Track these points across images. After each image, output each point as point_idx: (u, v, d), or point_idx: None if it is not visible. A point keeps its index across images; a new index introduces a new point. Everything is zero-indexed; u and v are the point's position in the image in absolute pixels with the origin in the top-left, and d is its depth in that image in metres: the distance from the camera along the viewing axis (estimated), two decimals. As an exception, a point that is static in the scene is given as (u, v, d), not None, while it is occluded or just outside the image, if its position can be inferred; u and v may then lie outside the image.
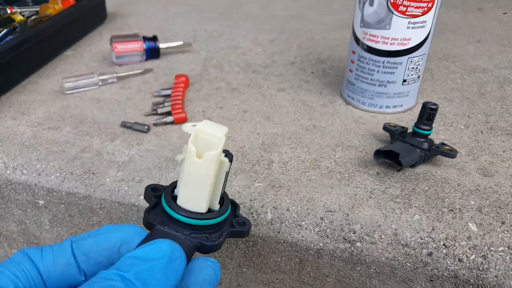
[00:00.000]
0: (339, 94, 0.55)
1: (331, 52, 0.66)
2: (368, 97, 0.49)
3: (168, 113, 0.49)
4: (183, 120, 0.48)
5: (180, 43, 0.66)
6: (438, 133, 0.46)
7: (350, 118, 0.49)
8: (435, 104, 0.39)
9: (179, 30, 0.76)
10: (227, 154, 0.27)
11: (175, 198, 0.27)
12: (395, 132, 0.42)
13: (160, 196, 0.28)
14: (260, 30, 0.76)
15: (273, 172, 0.40)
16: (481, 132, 0.46)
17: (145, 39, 0.63)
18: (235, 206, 0.31)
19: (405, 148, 0.40)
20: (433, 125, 0.47)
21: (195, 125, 0.25)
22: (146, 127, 0.47)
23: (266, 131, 0.47)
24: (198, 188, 0.26)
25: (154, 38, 0.64)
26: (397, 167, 0.39)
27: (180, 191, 0.26)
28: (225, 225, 0.28)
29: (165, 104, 0.51)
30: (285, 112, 0.51)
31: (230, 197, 0.30)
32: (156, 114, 0.50)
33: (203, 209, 0.26)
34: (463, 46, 0.68)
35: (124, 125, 0.47)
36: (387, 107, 0.49)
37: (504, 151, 0.43)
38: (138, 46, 0.62)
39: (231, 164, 0.27)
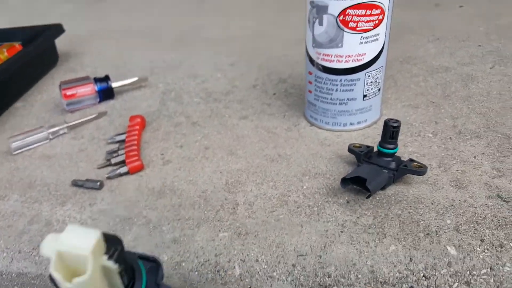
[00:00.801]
0: (302, 114, 0.53)
1: (292, 70, 0.65)
2: (330, 117, 0.48)
3: (123, 162, 0.46)
4: (139, 169, 0.45)
5: (135, 79, 0.63)
6: (406, 146, 0.44)
7: (316, 141, 0.47)
8: (396, 121, 0.38)
9: (136, 64, 0.74)
10: (112, 252, 0.21)
11: None
12: (360, 154, 0.40)
13: None
14: (220, 54, 0.74)
15: (239, 217, 0.37)
16: (450, 138, 0.45)
17: (97, 80, 0.61)
18: (157, 266, 0.25)
19: (372, 171, 0.38)
20: (401, 137, 0.46)
21: (57, 239, 0.20)
22: (98, 183, 0.43)
23: (230, 168, 0.44)
24: None
25: (106, 78, 0.61)
26: (366, 192, 0.37)
27: None
28: None
29: (119, 152, 0.48)
30: (249, 142, 0.48)
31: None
32: (110, 165, 0.47)
33: None
34: (423, 45, 0.67)
35: (75, 184, 0.44)
36: (351, 124, 0.48)
37: (475, 157, 0.42)
38: (89, 89, 0.60)
39: (121, 265, 0.21)
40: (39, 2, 1.25)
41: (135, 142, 0.49)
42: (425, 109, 0.50)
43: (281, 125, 0.51)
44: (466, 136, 0.45)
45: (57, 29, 0.74)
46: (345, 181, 0.38)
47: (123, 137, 0.51)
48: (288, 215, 0.37)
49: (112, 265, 0.21)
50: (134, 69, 0.72)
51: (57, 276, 0.20)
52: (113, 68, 0.73)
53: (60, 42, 0.79)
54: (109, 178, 0.45)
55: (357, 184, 0.38)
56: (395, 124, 0.38)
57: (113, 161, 0.47)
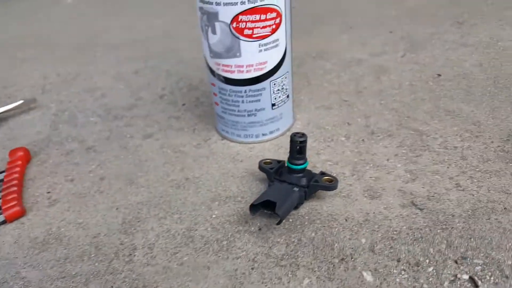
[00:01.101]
0: (214, 127, 0.48)
1: (203, 74, 0.60)
2: (241, 129, 0.44)
3: None
4: (19, 215, 0.38)
5: (20, 102, 0.55)
6: (319, 154, 0.41)
7: (227, 157, 0.43)
8: (302, 135, 0.35)
9: (25, 81, 0.65)
10: None
11: None
12: (270, 172, 0.37)
13: None
14: (123, 61, 0.67)
15: (136, 266, 0.32)
16: (363, 140, 0.43)
17: (-26, 108, 0.52)
18: None
19: (282, 193, 0.34)
20: (313, 144, 0.43)
21: None
22: (-25, 236, 0.36)
23: (128, 202, 0.39)
24: None
25: (-15, 105, 0.53)
26: (278, 216, 0.34)
27: None
28: None
29: (-1, 194, 0.41)
30: (153, 167, 0.43)
31: None
32: (-12, 212, 0.40)
33: None
34: (337, 36, 0.65)
35: None
36: (263, 135, 0.44)
37: (388, 159, 0.40)
38: (-35, 119, 0.51)
39: None
40: None
41: (16, 182, 0.42)
42: (338, 109, 0.48)
43: (191, 141, 0.47)
44: (378, 136, 0.43)
45: None
46: (254, 207, 0.34)
47: (1, 176, 0.43)
48: (193, 256, 0.33)
49: None
50: (24, 87, 0.63)
51: None
52: (0, 87, 0.64)
53: None
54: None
55: (268, 208, 0.34)
56: (301, 139, 0.34)
57: (-10, 207, 0.40)
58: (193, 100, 0.54)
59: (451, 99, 0.47)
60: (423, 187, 0.36)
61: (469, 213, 0.33)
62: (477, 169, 0.37)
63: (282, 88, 0.42)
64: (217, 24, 0.37)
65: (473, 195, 0.35)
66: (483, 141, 0.41)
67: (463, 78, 0.51)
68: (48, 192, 0.41)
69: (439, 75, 0.52)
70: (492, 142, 0.40)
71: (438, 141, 0.41)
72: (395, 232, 0.32)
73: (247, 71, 0.39)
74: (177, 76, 0.61)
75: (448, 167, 0.38)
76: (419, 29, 0.64)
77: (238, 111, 0.42)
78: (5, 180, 0.42)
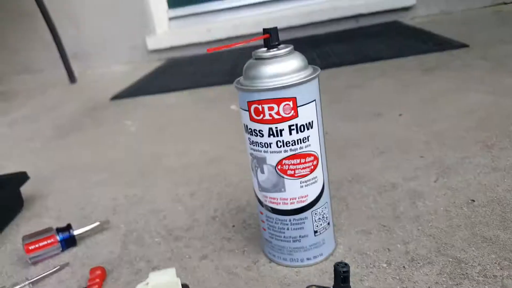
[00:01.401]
0: (261, 249, 0.53)
1: (249, 196, 0.67)
2: (287, 253, 0.49)
3: (82, 324, 0.45)
4: (98, 332, 0.44)
5: (97, 224, 0.64)
6: (363, 280, 0.45)
7: (276, 281, 0.47)
8: (345, 265, 0.39)
9: (98, 203, 0.74)
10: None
11: None
12: (317, 298, 0.41)
13: None
14: (179, 184, 0.76)
15: None
16: (404, 267, 0.46)
17: (59, 230, 0.61)
18: None
19: (329, 318, 0.38)
20: (356, 270, 0.47)
21: (147, 283, 0.30)
22: None
23: (189, 323, 0.43)
24: None
25: (68, 227, 0.62)
26: None
27: None
28: None
29: (79, 311, 0.47)
30: (209, 288, 0.48)
31: None
32: (69, 327, 0.45)
33: None
34: (369, 161, 0.72)
35: None
36: (307, 259, 0.49)
37: (429, 287, 0.43)
38: (52, 241, 0.60)
39: None
40: (5, 140, 1.28)
41: (94, 299, 0.48)
42: (377, 234, 0.52)
43: (241, 263, 0.52)
44: (418, 263, 0.46)
45: (22, 177, 0.76)
46: (303, 332, 0.38)
47: (82, 293, 0.50)
48: None
49: None
50: (97, 208, 0.72)
51: None
52: (77, 209, 0.74)
53: (25, 184, 0.80)
54: None
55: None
56: (345, 269, 0.39)
57: (70, 324, 0.45)
58: (241, 222, 0.61)
59: (487, 226, 0.50)
60: (463, 316, 0.38)
61: None
62: (517, 298, 0.39)
63: (323, 217, 0.48)
64: (265, 166, 0.45)
65: (511, 325, 0.36)
66: (522, 268, 0.43)
67: (497, 204, 0.54)
68: (119, 311, 0.47)
69: (473, 200, 0.56)
70: (531, 269, 0.42)
71: (477, 269, 0.44)
72: None
73: (291, 203, 0.46)
74: (227, 198, 0.68)
75: (488, 295, 0.40)
76: (449, 153, 0.70)
77: (284, 237, 0.48)
78: (85, 297, 0.48)
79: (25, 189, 0.81)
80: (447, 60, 1.25)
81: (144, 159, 0.92)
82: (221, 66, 1.75)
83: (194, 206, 0.68)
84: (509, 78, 1.00)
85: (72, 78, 2.04)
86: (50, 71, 2.30)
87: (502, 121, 0.78)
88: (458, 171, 0.64)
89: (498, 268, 0.44)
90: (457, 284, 0.42)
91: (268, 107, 0.41)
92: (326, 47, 1.72)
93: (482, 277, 0.43)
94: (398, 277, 0.45)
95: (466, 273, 0.43)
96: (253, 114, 0.42)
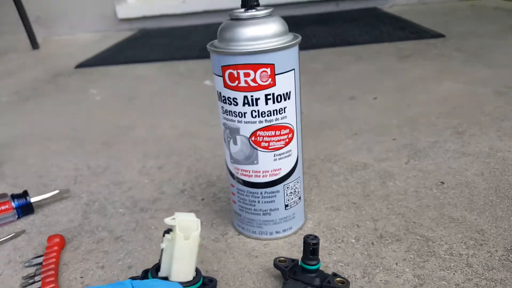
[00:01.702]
0: (230, 222, 0.52)
1: (220, 172, 0.65)
2: (256, 226, 0.48)
3: (38, 292, 0.43)
4: (54, 300, 0.41)
5: (56, 192, 0.60)
6: (331, 254, 0.45)
7: (243, 253, 0.46)
8: (315, 237, 0.38)
9: (59, 172, 0.70)
10: None
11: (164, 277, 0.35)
12: (285, 270, 0.40)
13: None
14: (148, 156, 0.73)
15: None
16: (372, 243, 0.46)
17: (14, 196, 0.57)
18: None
19: (296, 291, 0.37)
20: (325, 244, 0.46)
21: (173, 218, 0.35)
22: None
23: (151, 294, 0.41)
24: (187, 261, 0.35)
25: (25, 194, 0.58)
26: (292, 315, 0.36)
27: (173, 269, 0.35)
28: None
29: (36, 278, 0.45)
30: (174, 260, 0.46)
31: None
32: (25, 294, 0.43)
33: (191, 277, 0.36)
34: (342, 141, 0.71)
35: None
36: (277, 232, 0.48)
37: (396, 263, 0.43)
38: (6, 207, 0.56)
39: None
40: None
41: (53, 266, 0.45)
42: (347, 211, 0.52)
43: (209, 235, 0.50)
44: (387, 240, 0.46)
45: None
46: (269, 304, 0.37)
47: (40, 259, 0.47)
48: None
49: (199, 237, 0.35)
50: (58, 177, 0.69)
51: (180, 234, 0.34)
52: (36, 178, 0.70)
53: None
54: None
55: (282, 306, 0.37)
56: (314, 241, 0.38)
57: (28, 289, 0.43)
58: (211, 196, 0.59)
59: (455, 207, 0.51)
60: (429, 291, 0.38)
61: (472, 319, 0.35)
62: (483, 277, 0.40)
63: (295, 191, 0.47)
64: (238, 137, 0.43)
65: (475, 301, 0.37)
66: (487, 249, 0.44)
67: (465, 186, 0.55)
68: (81, 277, 0.45)
69: (442, 182, 0.57)
70: (496, 250, 0.43)
71: (444, 247, 0.44)
72: (403, 335, 0.34)
73: (264, 176, 0.44)
74: (197, 173, 0.66)
75: (454, 274, 0.41)
76: (421, 137, 0.70)
77: (254, 210, 0.47)
78: (43, 263, 0.46)
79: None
80: (423, 48, 1.27)
81: (110, 130, 0.88)
82: (196, 40, 1.70)
83: (162, 179, 0.65)
84: (482, 70, 1.02)
85: (34, 43, 1.93)
86: (10, 35, 2.16)
87: (473, 110, 0.79)
88: (429, 154, 0.64)
89: (464, 247, 0.44)
90: (424, 261, 0.42)
91: (244, 73, 0.39)
92: (306, 28, 1.70)
93: (448, 255, 0.43)
94: (366, 253, 0.44)
95: (433, 251, 0.44)
96: (227, 80, 0.40)
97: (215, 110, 0.44)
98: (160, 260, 0.36)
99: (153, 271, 0.36)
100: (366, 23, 1.71)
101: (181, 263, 0.35)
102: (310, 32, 1.63)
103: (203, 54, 1.42)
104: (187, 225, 0.35)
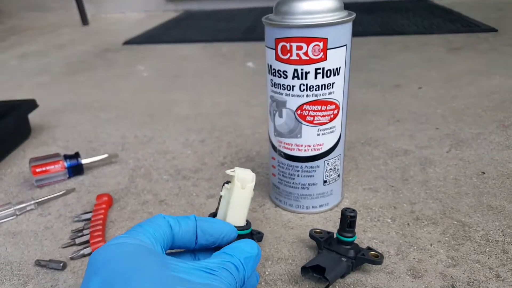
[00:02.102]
0: (268, 195, 0.54)
1: (260, 148, 0.67)
2: (294, 200, 0.49)
3: (87, 243, 0.46)
4: (102, 251, 0.45)
5: (105, 156, 0.64)
6: (366, 231, 0.45)
7: (280, 223, 0.48)
8: (353, 210, 0.39)
9: (107, 139, 0.75)
10: None
11: None
12: (320, 241, 0.41)
13: None
14: (190, 130, 0.76)
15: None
16: (408, 224, 0.46)
17: (66, 157, 0.61)
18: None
19: (331, 260, 0.38)
20: (360, 222, 0.47)
21: (233, 170, 0.39)
22: (61, 264, 0.43)
23: (192, 253, 0.44)
24: (241, 209, 0.39)
25: (76, 155, 0.62)
26: (326, 281, 0.37)
27: (228, 214, 0.38)
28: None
29: (84, 231, 0.48)
30: (213, 224, 0.49)
31: None
32: (75, 244, 0.47)
33: (243, 224, 0.39)
34: (384, 127, 0.71)
35: (39, 264, 0.44)
36: (313, 207, 0.49)
37: (431, 244, 0.43)
38: (59, 166, 0.60)
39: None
40: (15, 72, 1.28)
41: (101, 222, 0.49)
42: (384, 193, 0.52)
43: (247, 206, 0.52)
44: (423, 222, 0.46)
45: (31, 105, 0.76)
46: (305, 270, 0.38)
47: (89, 215, 0.51)
48: (247, 306, 0.37)
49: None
50: (106, 144, 0.73)
51: (238, 183, 0.38)
52: (85, 142, 0.74)
53: (33, 114, 0.80)
54: (72, 258, 0.44)
55: (317, 272, 0.38)
56: (352, 214, 0.39)
57: (77, 241, 0.47)
58: (250, 170, 0.61)
59: (494, 196, 0.50)
60: (463, 273, 0.39)
61: (506, 300, 0.35)
62: (517, 264, 0.40)
63: (334, 168, 0.48)
64: (284, 110, 0.44)
65: None
66: (525, 238, 0.43)
67: (507, 178, 0.54)
68: (124, 235, 0.48)
69: (483, 172, 0.56)
70: (533, 240, 0.43)
71: (480, 233, 0.44)
72: (434, 310, 0.35)
73: (305, 150, 0.45)
74: (237, 148, 0.68)
75: (488, 258, 0.41)
76: (465, 128, 0.69)
77: (293, 183, 0.48)
78: (92, 219, 0.49)
79: (33, 119, 0.81)
80: (474, 42, 1.22)
81: (155, 104, 0.91)
82: (239, 23, 1.71)
83: (204, 152, 0.68)
84: (534, 65, 0.98)
85: (84, 19, 2.01)
86: (62, 11, 2.26)
87: (522, 104, 0.77)
88: (472, 145, 0.63)
89: (501, 234, 0.44)
90: (459, 244, 0.43)
91: (297, 46, 0.40)
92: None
93: (484, 240, 0.43)
94: (401, 232, 0.45)
95: (469, 236, 0.44)
96: (279, 53, 0.41)
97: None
98: (217, 208, 0.40)
99: (210, 216, 0.40)
100: (415, 14, 1.66)
101: (236, 209, 0.39)
102: (356, 19, 1.59)
103: (246, 37, 1.43)
104: (244, 177, 0.39)
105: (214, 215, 0.40)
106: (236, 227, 0.37)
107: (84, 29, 1.93)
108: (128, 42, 1.53)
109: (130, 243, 0.29)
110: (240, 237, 0.38)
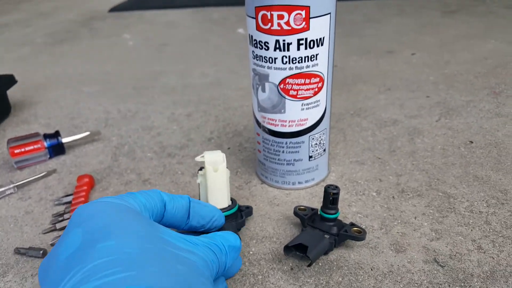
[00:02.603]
0: (254, 171, 0.53)
1: (248, 122, 0.66)
2: (279, 176, 0.48)
3: (70, 225, 0.45)
4: (85, 233, 0.44)
5: (87, 133, 0.62)
6: (351, 206, 0.45)
7: (265, 200, 0.48)
8: (335, 187, 0.39)
9: (90, 114, 0.73)
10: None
11: None
12: (304, 218, 0.41)
13: None
14: (177, 104, 0.74)
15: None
16: (393, 197, 0.46)
17: (46, 136, 0.60)
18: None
19: (314, 238, 0.38)
20: (346, 196, 0.47)
21: (203, 156, 0.39)
22: (41, 252, 0.42)
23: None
24: (220, 191, 0.39)
25: (56, 134, 0.60)
26: (308, 259, 0.37)
27: (209, 198, 0.39)
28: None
29: (65, 216, 0.47)
30: (198, 202, 0.48)
31: None
32: (55, 229, 0.46)
33: (226, 205, 0.40)
34: (374, 96, 0.70)
35: (18, 252, 0.43)
36: (299, 183, 0.48)
37: (415, 217, 0.43)
38: (39, 146, 0.58)
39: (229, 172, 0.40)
40: (-1, 44, 1.24)
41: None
42: (371, 165, 0.52)
43: (233, 182, 0.51)
44: (408, 195, 0.46)
45: (9, 80, 0.73)
46: (288, 249, 0.38)
47: (70, 198, 0.50)
48: (232, 286, 0.36)
49: (227, 170, 0.40)
50: (88, 120, 0.71)
51: (209, 167, 0.38)
52: (67, 119, 0.72)
53: (14, 90, 0.77)
54: (52, 245, 0.43)
55: (300, 251, 0.38)
56: (335, 191, 0.38)
57: (58, 226, 0.46)
58: (237, 145, 0.60)
59: (481, 166, 0.50)
60: (446, 246, 0.39)
61: (487, 274, 0.35)
62: (500, 235, 0.40)
63: (320, 143, 0.47)
64: (266, 84, 0.42)
65: (493, 258, 0.37)
66: (508, 208, 0.43)
67: (494, 147, 0.54)
68: (107, 216, 0.47)
69: (471, 142, 0.55)
70: (517, 210, 0.43)
71: (465, 204, 0.44)
72: (416, 285, 0.35)
73: (289, 126, 0.44)
74: (224, 122, 0.67)
75: (472, 230, 0.41)
76: (456, 96, 0.68)
77: (278, 159, 0.47)
78: (73, 202, 0.48)
79: (13, 95, 0.79)
80: (470, 4, 1.19)
81: (141, 75, 0.89)
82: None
83: (190, 127, 0.66)
84: (530, 27, 0.95)
85: (69, -13, 1.92)
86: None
87: (515, 69, 0.75)
88: (461, 113, 0.62)
89: (485, 205, 0.44)
90: (443, 217, 0.42)
91: (278, 14, 0.38)
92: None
93: (468, 212, 0.43)
94: (386, 206, 0.45)
95: (454, 207, 0.44)
96: (260, 23, 0.39)
97: (246, 59, 0.44)
98: (199, 194, 0.40)
99: None
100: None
101: (215, 193, 0.39)
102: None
103: (238, 1, 1.38)
104: (214, 160, 0.39)
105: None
106: (221, 209, 0.38)
107: (68, -4, 1.86)
108: (115, 9, 1.48)
109: (118, 203, 0.29)
110: (227, 217, 0.39)
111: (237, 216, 0.42)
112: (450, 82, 0.73)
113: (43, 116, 0.74)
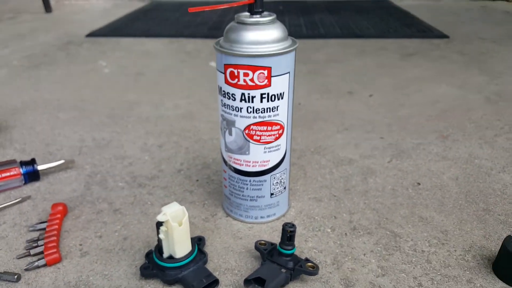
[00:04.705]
0: (221, 204, 0.57)
1: (216, 155, 0.70)
2: (243, 210, 0.52)
3: (42, 253, 0.47)
4: (56, 261, 0.46)
5: (61, 162, 0.65)
6: (307, 241, 0.49)
7: (229, 233, 0.51)
8: (292, 225, 0.43)
9: (65, 142, 0.75)
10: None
11: (169, 257, 0.44)
12: (264, 252, 0.45)
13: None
14: (149, 134, 0.77)
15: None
16: (345, 234, 0.51)
17: (23, 163, 0.62)
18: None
19: (272, 272, 0.42)
20: (303, 231, 0.51)
21: (164, 214, 0.41)
22: (15, 276, 0.44)
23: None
24: (186, 239, 0.44)
25: (33, 161, 0.62)
26: (266, 291, 0.41)
27: (176, 250, 0.43)
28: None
29: (39, 242, 0.49)
30: (166, 234, 0.51)
31: None
32: (29, 255, 0.48)
33: (190, 247, 0.45)
34: (333, 135, 0.76)
35: (-9, 276, 0.45)
36: (261, 217, 0.53)
37: (364, 254, 0.47)
38: (15, 172, 0.60)
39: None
40: (-27, 63, 1.24)
41: (55, 233, 0.50)
42: (327, 202, 0.57)
43: (200, 214, 0.55)
44: (359, 232, 0.51)
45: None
46: (248, 282, 0.42)
47: (44, 225, 0.52)
48: (192, 316, 0.40)
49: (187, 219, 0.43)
50: (63, 147, 0.73)
51: (174, 224, 0.41)
52: (43, 145, 0.74)
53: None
54: (27, 270, 0.46)
55: (258, 283, 0.42)
56: (291, 229, 0.43)
57: (32, 252, 0.48)
58: (206, 177, 0.64)
59: (426, 207, 0.56)
60: (390, 283, 0.44)
61: (419, 308, 0.40)
62: (438, 273, 0.45)
63: (280, 182, 0.51)
64: (233, 129, 0.47)
65: (426, 293, 0.42)
66: (447, 248, 0.48)
67: (439, 189, 0.60)
68: (80, 245, 0.50)
69: (419, 183, 0.61)
70: (455, 250, 0.48)
71: (409, 243, 0.49)
72: (359, 317, 0.39)
73: (253, 166, 0.49)
74: (194, 154, 0.71)
75: (414, 268, 0.46)
76: (407, 138, 0.74)
77: (243, 195, 0.51)
78: (47, 229, 0.50)
79: (-10, 117, 0.80)
80: (426, 48, 1.29)
81: (116, 104, 0.92)
82: (206, 18, 1.72)
83: (161, 157, 0.70)
84: (479, 76, 1.05)
85: (47, 6, 1.94)
86: (23, -4, 2.17)
87: (462, 115, 0.83)
88: (411, 155, 0.69)
89: (427, 244, 0.49)
90: (389, 254, 0.47)
91: (244, 72, 0.43)
92: (315, 15, 1.72)
93: (412, 251, 0.48)
94: (339, 242, 0.49)
95: (399, 246, 0.49)
96: (228, 77, 0.44)
97: (217, 93, 0.48)
98: (159, 243, 0.44)
99: (156, 253, 0.44)
100: (375, 15, 1.72)
101: (181, 243, 0.43)
102: (318, 20, 1.65)
103: (211, 34, 1.44)
104: (176, 215, 0.42)
105: (159, 249, 0.44)
106: (186, 255, 0.43)
107: (47, 17, 1.87)
108: (92, 34, 1.51)
109: None
110: (193, 260, 0.44)
111: (200, 253, 0.46)
112: (403, 124, 0.80)
113: (18, 141, 0.75)
